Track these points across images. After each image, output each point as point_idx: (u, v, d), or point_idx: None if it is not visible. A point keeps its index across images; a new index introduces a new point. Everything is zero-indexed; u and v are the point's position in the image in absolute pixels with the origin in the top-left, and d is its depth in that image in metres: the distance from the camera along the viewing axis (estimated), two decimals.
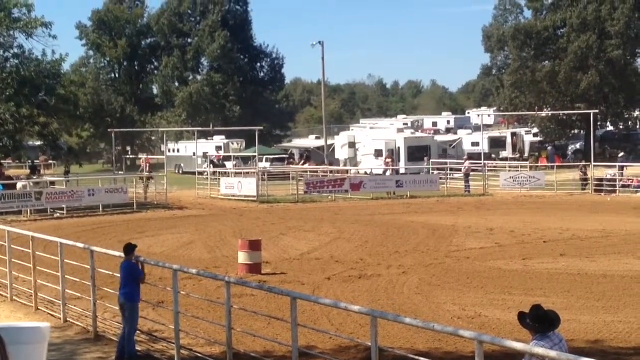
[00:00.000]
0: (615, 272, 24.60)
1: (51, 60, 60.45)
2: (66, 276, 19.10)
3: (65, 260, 19.08)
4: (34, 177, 54.68)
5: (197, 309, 19.53)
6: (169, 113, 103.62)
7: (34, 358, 2.61)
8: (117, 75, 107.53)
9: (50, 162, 74.67)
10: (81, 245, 19.58)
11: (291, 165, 69.80)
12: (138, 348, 16.36)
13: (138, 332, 16.62)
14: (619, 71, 79.78)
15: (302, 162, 74.00)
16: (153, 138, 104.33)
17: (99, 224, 40.90)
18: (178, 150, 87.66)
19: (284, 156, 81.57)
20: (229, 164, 72.42)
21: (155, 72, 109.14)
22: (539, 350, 9.15)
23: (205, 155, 75.49)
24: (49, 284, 20.48)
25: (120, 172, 63.85)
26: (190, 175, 67.67)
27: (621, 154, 62.58)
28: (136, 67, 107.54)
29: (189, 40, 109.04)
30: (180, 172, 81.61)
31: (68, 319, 18.98)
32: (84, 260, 18.90)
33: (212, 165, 67.82)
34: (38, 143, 69.15)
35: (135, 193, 49.32)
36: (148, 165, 57.16)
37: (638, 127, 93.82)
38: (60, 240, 19.55)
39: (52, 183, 52.25)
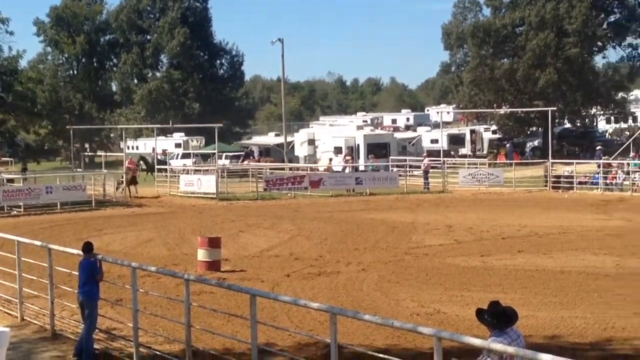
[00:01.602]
0: (572, 268, 24.80)
1: (8, 57, 60.08)
2: (23, 274, 18.95)
3: (23, 259, 18.93)
4: None
5: (156, 306, 19.46)
6: (127, 110, 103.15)
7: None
8: (75, 72, 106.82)
9: (8, 159, 73.99)
10: (38, 243, 19.42)
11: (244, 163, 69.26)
12: (96, 346, 16.26)
13: (96, 330, 16.53)
14: (576, 69, 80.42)
15: (242, 159, 73.14)
16: (112, 135, 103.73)
17: (57, 221, 40.59)
18: (137, 148, 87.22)
19: (239, 153, 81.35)
20: (188, 162, 72.18)
21: (114, 68, 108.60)
22: (497, 346, 9.21)
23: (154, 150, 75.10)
24: (6, 282, 20.31)
25: (78, 170, 63.42)
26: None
27: (598, 147, 63.13)
28: (95, 64, 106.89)
29: (148, 37, 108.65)
30: (140, 169, 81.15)
31: (25, 318, 18.83)
32: (41, 258, 18.76)
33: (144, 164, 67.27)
34: None
35: (93, 190, 49.02)
36: (132, 167, 55.40)
37: (595, 124, 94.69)
38: (17, 238, 19.39)
39: (10, 180, 51.83)
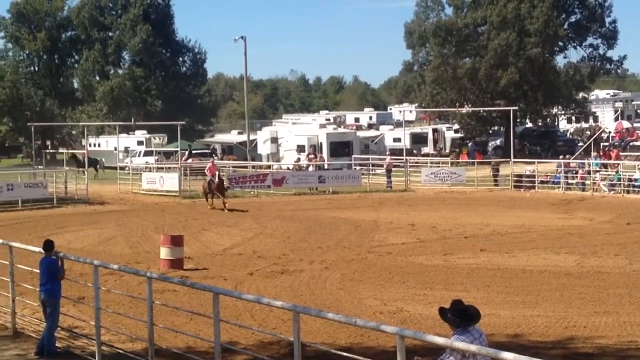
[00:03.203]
0: (533, 267, 24.99)
1: None
2: None
3: None
4: None
5: (119, 304, 19.38)
6: (89, 107, 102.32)
7: None
8: (36, 69, 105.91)
9: None
10: None
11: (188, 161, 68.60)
12: (58, 344, 16.18)
13: (58, 328, 16.44)
14: (537, 69, 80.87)
15: (187, 157, 72.12)
16: (73, 132, 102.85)
17: (18, 219, 40.33)
18: (99, 145, 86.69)
19: (205, 151, 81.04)
20: (150, 159, 71.85)
21: (76, 65, 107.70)
22: (460, 345, 9.25)
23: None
24: None
25: (39, 167, 62.91)
26: (112, 170, 66.96)
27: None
28: (56, 61, 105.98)
29: (110, 34, 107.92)
30: (102, 167, 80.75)
31: None
32: (2, 256, 18.61)
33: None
34: None
35: (55, 188, 48.69)
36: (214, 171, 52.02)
37: (556, 124, 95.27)
38: None
39: None
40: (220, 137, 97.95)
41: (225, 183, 46.39)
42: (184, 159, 69.93)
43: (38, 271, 16.41)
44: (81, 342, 16.70)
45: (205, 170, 46.58)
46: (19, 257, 18.52)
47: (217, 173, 44.18)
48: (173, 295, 20.64)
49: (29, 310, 18.55)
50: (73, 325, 17.54)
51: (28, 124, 63.72)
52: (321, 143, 71.62)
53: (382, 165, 59.41)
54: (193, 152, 75.61)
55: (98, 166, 70.52)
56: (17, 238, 28.45)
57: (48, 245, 16.34)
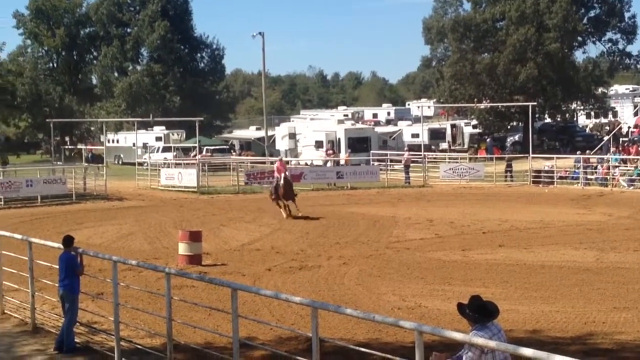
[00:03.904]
0: (552, 262, 24.89)
1: None
2: (4, 268, 18.89)
3: (3, 252, 18.87)
4: None
5: (137, 300, 19.42)
6: (108, 103, 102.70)
7: None
8: (55, 65, 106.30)
9: None
10: (19, 236, 19.34)
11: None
12: (77, 340, 16.23)
13: (77, 323, 16.50)
14: (556, 64, 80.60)
15: (195, 154, 71.73)
16: (92, 128, 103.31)
17: (37, 215, 40.45)
18: (117, 141, 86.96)
19: (224, 147, 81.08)
20: (169, 155, 71.96)
21: (94, 61, 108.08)
22: (479, 340, 9.23)
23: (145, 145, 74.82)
24: None
25: (58, 163, 63.18)
26: (130, 165, 67.16)
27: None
28: (75, 57, 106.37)
29: (129, 30, 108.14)
30: (120, 162, 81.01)
31: (6, 311, 18.76)
32: (22, 251, 18.68)
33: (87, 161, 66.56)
34: None
35: (74, 183, 48.83)
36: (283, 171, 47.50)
37: (575, 119, 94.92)
38: None
39: None
40: (239, 133, 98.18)
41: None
42: (192, 154, 70.09)
43: (57, 267, 16.46)
44: (100, 338, 16.74)
45: (275, 172, 40.19)
46: (38, 253, 18.59)
47: (285, 174, 37.85)
48: (191, 290, 20.66)
49: (48, 305, 18.61)
50: (92, 321, 17.58)
51: (47, 120, 63.97)
52: (339, 139, 71.63)
53: (400, 161, 59.33)
54: (210, 147, 75.76)
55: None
56: (37, 234, 28.59)
57: (67, 241, 16.38)
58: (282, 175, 37.50)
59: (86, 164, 56.16)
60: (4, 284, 18.93)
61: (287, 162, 59.07)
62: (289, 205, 37.18)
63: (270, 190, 38.79)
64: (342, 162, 60.95)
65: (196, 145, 59.67)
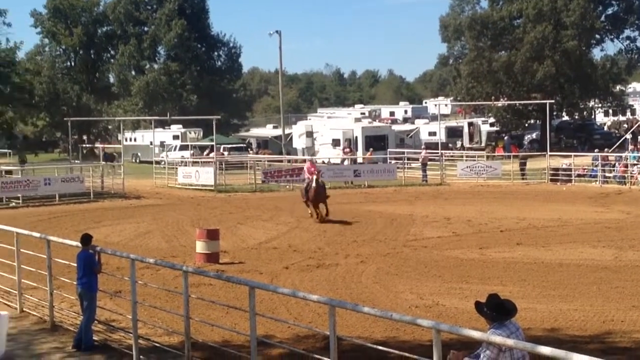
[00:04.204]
0: (570, 260, 24.83)
1: (5, 48, 59.95)
2: (22, 266, 18.95)
3: (21, 250, 18.93)
4: None
5: (155, 298, 19.48)
6: (125, 102, 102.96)
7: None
8: (72, 64, 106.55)
9: (6, 151, 73.95)
10: (37, 234, 19.42)
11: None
12: (95, 338, 16.29)
13: (95, 321, 16.55)
14: (574, 62, 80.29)
15: (208, 152, 71.82)
16: (110, 127, 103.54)
17: (55, 213, 40.59)
18: (135, 139, 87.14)
19: (240, 145, 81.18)
20: (186, 153, 72.10)
21: (112, 60, 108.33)
22: (497, 339, 9.21)
23: (163, 144, 74.89)
24: (5, 274, 20.30)
25: (76, 161, 63.36)
26: (148, 164, 67.31)
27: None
28: (92, 56, 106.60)
29: (146, 29, 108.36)
30: (137, 161, 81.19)
31: (24, 309, 18.84)
32: (40, 249, 18.76)
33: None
34: None
35: (92, 182, 48.99)
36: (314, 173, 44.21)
37: (593, 117, 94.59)
38: (16, 230, 19.38)
39: (8, 172, 51.83)
40: (256, 131, 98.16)
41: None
42: (205, 153, 70.25)
43: (75, 265, 16.53)
44: (118, 336, 16.79)
45: (305, 172, 38.89)
46: (56, 251, 18.66)
47: (315, 176, 35.71)
48: (209, 289, 20.69)
49: (66, 303, 18.67)
50: (110, 319, 17.65)
51: (65, 118, 64.17)
52: (356, 137, 71.58)
53: (417, 159, 59.26)
54: (227, 146, 75.84)
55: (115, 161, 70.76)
56: (55, 232, 28.69)
57: (85, 239, 16.44)
58: (314, 177, 35.44)
59: (103, 162, 56.26)
60: (23, 282, 19.01)
61: (304, 161, 59.02)
62: (320, 211, 35.36)
63: (301, 190, 37.01)
64: (360, 160, 60.96)
65: (212, 143, 59.71)
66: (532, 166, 56.66)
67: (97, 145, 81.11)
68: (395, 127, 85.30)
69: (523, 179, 54.05)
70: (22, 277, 18.97)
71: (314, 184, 35.12)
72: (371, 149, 65.07)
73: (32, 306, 19.04)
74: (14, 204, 44.57)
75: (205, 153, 71.56)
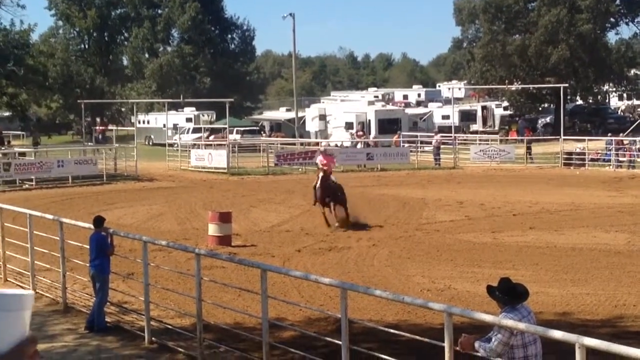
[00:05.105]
0: (583, 245, 24.79)
1: (20, 30, 59.91)
2: (35, 247, 19.02)
3: (34, 232, 18.99)
4: (3, 148, 54.25)
5: (167, 280, 19.52)
6: (139, 84, 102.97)
7: (18, 325, 2.59)
8: (86, 46, 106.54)
9: (19, 132, 74.12)
10: (50, 216, 19.50)
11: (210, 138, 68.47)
12: (108, 319, 16.36)
13: (108, 303, 16.62)
14: (588, 45, 79.97)
15: (208, 135, 71.74)
16: (123, 109, 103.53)
17: (68, 195, 40.68)
18: (148, 122, 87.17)
19: (253, 128, 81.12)
20: (202, 136, 72.16)
21: (125, 43, 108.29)
22: (508, 323, 9.21)
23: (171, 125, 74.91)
24: (18, 255, 20.36)
25: (89, 144, 63.48)
26: (160, 146, 67.38)
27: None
28: (106, 38, 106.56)
29: (159, 11, 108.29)
30: (150, 143, 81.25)
31: (37, 290, 18.89)
32: (53, 231, 18.81)
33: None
34: (6, 114, 68.68)
35: (105, 164, 49.08)
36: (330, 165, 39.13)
37: (607, 101, 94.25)
38: (29, 212, 19.44)
39: (22, 154, 51.95)
40: (269, 114, 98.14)
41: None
42: (204, 136, 70.28)
43: (88, 247, 16.58)
44: (130, 317, 16.86)
45: (317, 162, 32.16)
46: (69, 233, 18.73)
47: (324, 174, 29.37)
48: (221, 271, 20.72)
49: (79, 285, 18.75)
50: (122, 301, 17.71)
51: (78, 101, 64.19)
52: (369, 120, 71.49)
53: (430, 143, 59.17)
54: (240, 129, 75.83)
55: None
56: (68, 214, 28.73)
57: (98, 221, 16.49)
58: (320, 175, 29.42)
59: (117, 145, 56.28)
60: (36, 264, 19.08)
61: (317, 144, 58.88)
62: (336, 212, 28.97)
63: (317, 192, 29.59)
64: (372, 143, 60.90)
65: (212, 126, 59.57)
66: (546, 150, 56.51)
67: (96, 128, 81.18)
68: (409, 111, 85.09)
69: (529, 163, 53.87)
70: (35, 258, 19.04)
71: (318, 183, 29.27)
72: (399, 132, 64.94)
73: (45, 288, 19.12)
74: (27, 185, 44.69)
75: (205, 136, 71.62)
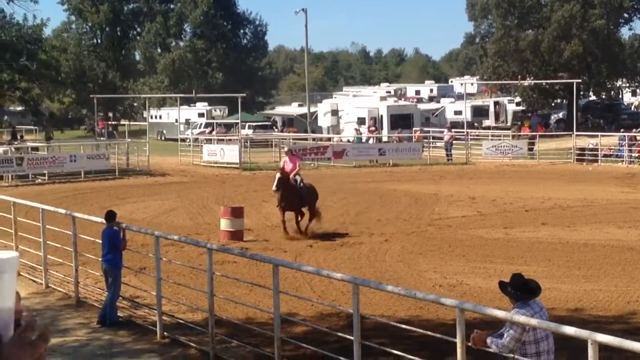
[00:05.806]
0: (596, 241, 24.71)
1: (32, 25, 60.08)
2: (48, 242, 19.07)
3: (47, 226, 19.05)
4: (15, 143, 54.38)
5: (179, 275, 19.53)
6: (151, 79, 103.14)
7: (6, 287, 2.55)
8: (99, 41, 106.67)
9: (32, 127, 74.35)
10: (63, 211, 19.53)
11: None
12: (120, 314, 16.39)
13: (120, 298, 16.65)
14: (601, 41, 79.72)
15: (210, 130, 71.81)
16: (135, 104, 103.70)
17: (81, 190, 40.78)
18: (160, 117, 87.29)
19: (265, 123, 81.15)
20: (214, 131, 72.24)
21: (138, 38, 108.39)
22: (520, 319, 9.19)
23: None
24: (31, 249, 20.40)
25: (102, 138, 63.60)
26: (173, 141, 67.48)
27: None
28: (118, 33, 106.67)
29: (172, 6, 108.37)
30: (163, 138, 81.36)
31: (50, 285, 18.96)
32: (65, 226, 18.86)
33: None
34: (19, 108, 68.93)
35: (117, 159, 49.16)
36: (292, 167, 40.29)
37: (620, 97, 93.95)
38: (42, 206, 19.50)
39: (34, 149, 52.09)
40: (281, 110, 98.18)
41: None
42: (207, 131, 70.32)
43: (100, 241, 16.61)
44: (142, 312, 16.89)
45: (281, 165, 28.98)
46: (81, 228, 18.76)
47: (282, 174, 26.99)
48: (233, 266, 20.73)
49: (91, 279, 18.79)
50: (134, 295, 17.74)
51: (90, 95, 64.33)
52: (382, 116, 71.43)
53: (442, 138, 59.09)
54: (253, 124, 75.85)
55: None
56: (80, 209, 28.79)
57: (110, 216, 16.51)
58: (277, 175, 26.99)
59: (129, 140, 56.36)
60: (48, 258, 19.13)
61: (329, 139, 58.81)
62: (296, 220, 26.84)
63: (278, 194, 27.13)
64: (385, 138, 60.83)
65: (215, 121, 59.54)
66: (559, 146, 56.40)
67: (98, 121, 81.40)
68: (421, 106, 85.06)
69: (530, 158, 53.73)
70: (48, 253, 19.10)
71: (274, 186, 26.75)
72: (420, 128, 64.81)
73: (57, 282, 19.17)
74: (40, 180, 44.82)
75: (207, 131, 71.68)
